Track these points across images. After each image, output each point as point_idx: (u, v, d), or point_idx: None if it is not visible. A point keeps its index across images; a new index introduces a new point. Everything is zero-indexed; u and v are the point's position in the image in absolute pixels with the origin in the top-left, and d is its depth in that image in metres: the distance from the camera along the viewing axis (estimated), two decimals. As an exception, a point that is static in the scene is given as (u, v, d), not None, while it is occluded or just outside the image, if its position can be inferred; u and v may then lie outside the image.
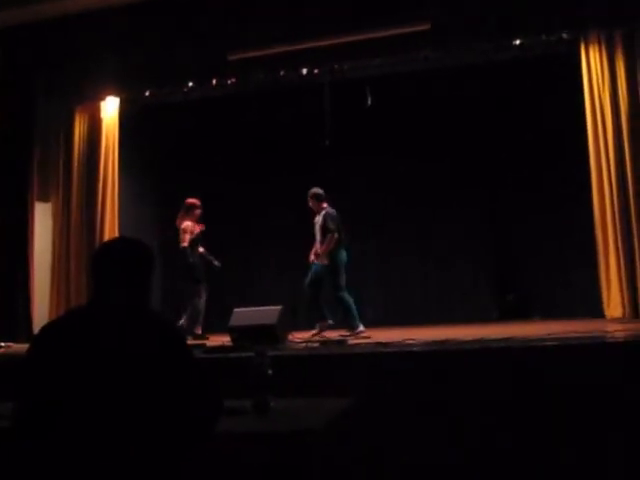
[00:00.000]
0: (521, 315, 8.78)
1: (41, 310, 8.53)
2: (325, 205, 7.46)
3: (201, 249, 7.93)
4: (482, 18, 7.36)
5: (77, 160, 9.04)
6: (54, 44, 8.53)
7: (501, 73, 8.41)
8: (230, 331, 6.24)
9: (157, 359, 2.07)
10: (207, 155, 9.96)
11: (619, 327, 6.18)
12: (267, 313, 6.13)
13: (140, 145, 9.58)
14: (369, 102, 8.84)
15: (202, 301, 7.77)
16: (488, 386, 4.42)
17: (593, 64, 7.47)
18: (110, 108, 9.04)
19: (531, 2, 7.21)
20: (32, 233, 8.72)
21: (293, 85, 8.62)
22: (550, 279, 8.90)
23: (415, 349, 5.08)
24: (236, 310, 6.65)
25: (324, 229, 7.28)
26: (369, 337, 6.58)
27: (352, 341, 6.19)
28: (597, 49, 7.46)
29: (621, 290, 7.15)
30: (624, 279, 7.13)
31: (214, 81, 8.58)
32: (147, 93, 8.87)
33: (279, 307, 6.23)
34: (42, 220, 8.89)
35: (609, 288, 7.25)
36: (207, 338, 7.45)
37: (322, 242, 7.28)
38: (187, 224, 7.83)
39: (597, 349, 4.61)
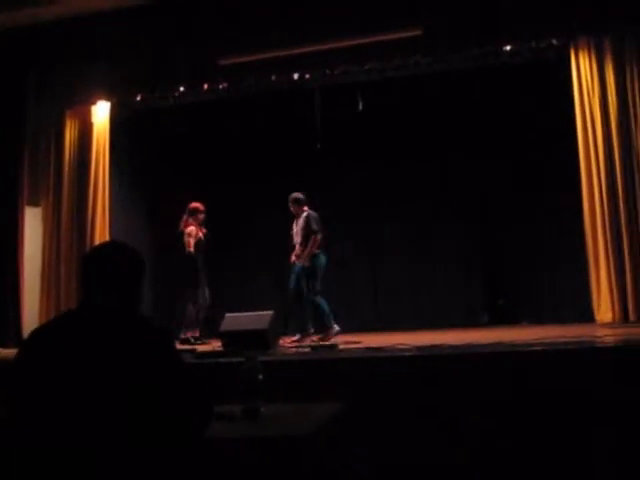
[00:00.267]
0: (511, 320, 8.79)
1: (31, 315, 8.49)
2: (306, 208, 7.57)
3: (201, 255, 7.92)
4: (472, 24, 7.40)
5: (68, 164, 9.02)
6: (46, 48, 8.52)
7: (491, 79, 8.44)
8: (221, 336, 6.24)
9: (146, 364, 2.06)
10: (198, 159, 9.94)
11: (609, 332, 6.21)
12: (258, 318, 6.13)
13: (131, 149, 9.55)
14: (360, 107, 8.86)
15: (198, 307, 7.75)
16: (478, 391, 4.43)
17: (583, 70, 7.51)
18: (101, 112, 9.02)
19: (521, 9, 7.25)
20: (22, 237, 8.68)
21: (284, 90, 8.62)
22: (540, 284, 8.92)
23: (406, 354, 5.09)
24: (227, 315, 6.65)
25: (306, 231, 7.41)
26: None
27: (342, 346, 6.19)
28: (587, 55, 7.51)
29: (611, 295, 7.18)
30: (614, 284, 7.16)
31: (205, 86, 8.58)
32: (138, 97, 8.85)
33: (270, 312, 6.24)
34: (32, 224, 8.86)
35: (599, 293, 7.27)
36: (203, 343, 7.44)
37: (302, 244, 7.40)
38: (191, 229, 7.83)
39: (586, 354, 4.63)
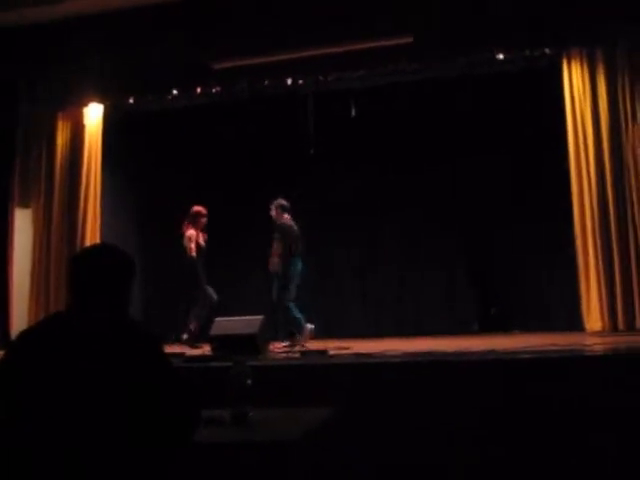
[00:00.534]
0: (502, 328, 8.81)
1: (20, 316, 8.45)
2: (286, 216, 7.74)
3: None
4: (465, 32, 7.43)
5: (59, 166, 8.98)
6: (38, 49, 8.48)
7: (484, 87, 8.46)
8: (211, 340, 6.22)
9: (134, 367, 2.05)
10: (191, 163, 9.92)
11: (598, 340, 6.23)
12: (248, 323, 6.11)
13: (123, 152, 9.53)
14: (353, 113, 8.88)
15: (203, 310, 7.74)
16: (468, 398, 4.43)
17: (575, 79, 7.55)
18: (93, 114, 9.00)
19: (514, 18, 7.29)
20: (12, 239, 8.65)
21: (277, 95, 8.64)
22: (531, 292, 8.94)
23: (395, 360, 5.09)
24: (217, 319, 6.63)
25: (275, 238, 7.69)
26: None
27: (332, 352, 6.18)
28: (579, 64, 7.56)
29: (601, 304, 7.21)
30: (604, 293, 7.20)
31: (198, 89, 8.58)
32: (131, 100, 8.85)
33: (260, 317, 6.22)
34: (22, 226, 8.81)
35: (589, 302, 7.31)
36: (196, 347, 7.41)
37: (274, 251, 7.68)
38: (192, 233, 7.82)
39: (576, 362, 4.64)
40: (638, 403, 4.15)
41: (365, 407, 4.42)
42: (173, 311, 9.88)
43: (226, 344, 5.85)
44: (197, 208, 7.95)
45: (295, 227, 7.73)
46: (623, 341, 6.01)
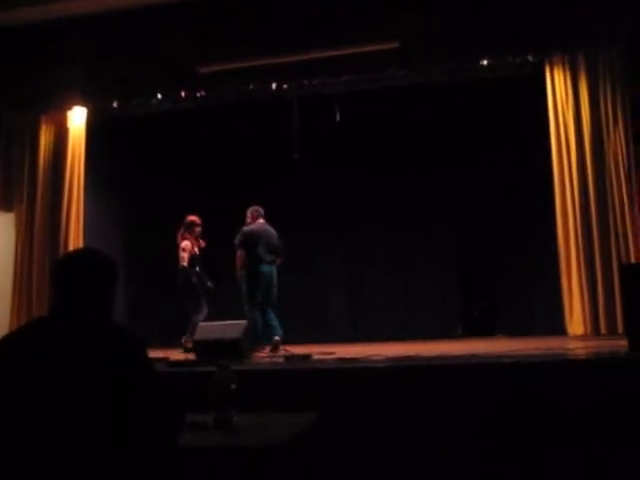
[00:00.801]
0: (485, 332, 8.85)
1: (2, 321, 8.37)
2: (260, 221, 7.76)
3: (197, 269, 7.88)
4: (449, 38, 7.48)
5: (42, 169, 8.92)
6: (21, 52, 8.44)
7: (468, 93, 8.50)
8: (194, 345, 6.20)
9: (117, 372, 2.05)
10: (175, 167, 9.90)
11: (580, 344, 6.27)
12: (232, 327, 6.10)
13: (107, 156, 9.48)
14: (338, 118, 8.90)
15: (201, 316, 7.70)
16: (451, 401, 4.44)
17: (557, 85, 7.62)
18: (77, 118, 8.94)
19: (497, 25, 7.36)
20: (-6, 243, 8.58)
21: (263, 99, 8.63)
22: (514, 296, 9.01)
23: (379, 365, 5.09)
24: (201, 324, 6.63)
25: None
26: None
27: (317, 356, 6.18)
28: (561, 71, 7.63)
29: (583, 308, 7.27)
30: (586, 297, 7.25)
31: (183, 93, 8.56)
32: (115, 104, 8.81)
33: (244, 322, 6.22)
34: (5, 230, 8.75)
35: (571, 306, 7.36)
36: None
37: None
38: (186, 243, 7.81)
39: (559, 366, 4.67)
40: (620, 407, 4.19)
41: (350, 412, 4.43)
42: (157, 314, 9.88)
43: (210, 349, 5.83)
44: (191, 217, 7.94)
45: (261, 232, 7.65)
46: (605, 345, 6.06)
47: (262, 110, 8.91)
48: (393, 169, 9.38)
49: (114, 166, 9.61)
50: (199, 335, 6.23)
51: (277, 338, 7.26)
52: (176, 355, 6.91)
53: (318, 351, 6.61)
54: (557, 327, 7.50)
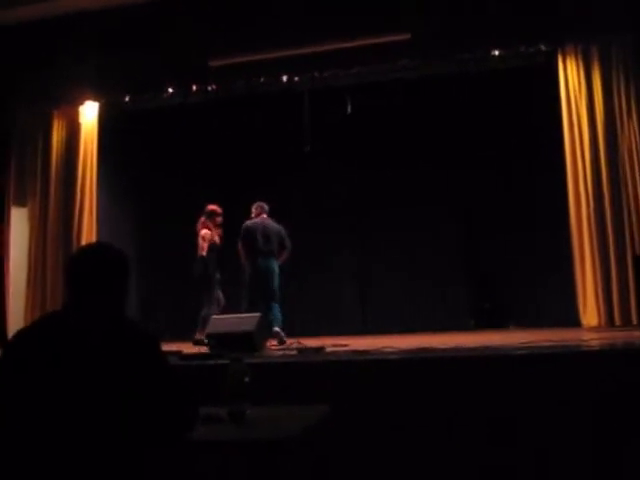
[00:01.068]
0: (498, 324, 8.82)
1: (16, 316, 8.44)
2: (262, 217, 7.78)
3: (214, 258, 7.88)
4: (461, 29, 7.44)
5: (55, 165, 8.97)
6: (33, 47, 8.46)
7: (480, 83, 8.45)
8: (208, 338, 6.21)
9: (131, 366, 2.05)
10: (186, 161, 9.91)
11: (595, 336, 6.24)
12: (245, 320, 6.11)
13: (119, 150, 9.51)
14: (349, 110, 8.88)
15: (214, 309, 7.70)
16: (466, 394, 4.44)
17: (570, 75, 7.57)
18: (89, 113, 8.98)
19: (509, 14, 7.29)
20: (8, 238, 8.63)
21: (273, 92, 8.62)
22: (527, 288, 8.96)
23: (392, 357, 5.09)
24: (214, 317, 6.63)
25: None
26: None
27: (329, 349, 6.18)
28: (574, 61, 7.57)
29: (597, 299, 7.23)
30: (600, 288, 7.22)
31: (194, 87, 8.57)
32: (127, 98, 8.83)
33: (257, 314, 6.22)
34: (18, 225, 8.81)
35: (585, 297, 7.32)
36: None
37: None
38: (206, 232, 7.77)
39: (573, 358, 4.65)
40: (635, 398, 4.17)
41: (362, 404, 4.43)
42: (169, 308, 9.91)
43: (223, 342, 5.84)
44: (212, 207, 7.91)
45: (258, 226, 7.67)
46: (620, 336, 6.03)
47: (273, 103, 8.90)
48: (403, 162, 9.35)
49: (126, 160, 9.64)
50: (212, 328, 6.23)
51: (276, 329, 7.27)
52: (189, 348, 6.94)
53: (331, 343, 6.62)
54: (570, 318, 7.47)
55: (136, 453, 2.02)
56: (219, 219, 7.90)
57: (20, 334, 2.18)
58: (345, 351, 5.90)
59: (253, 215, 7.86)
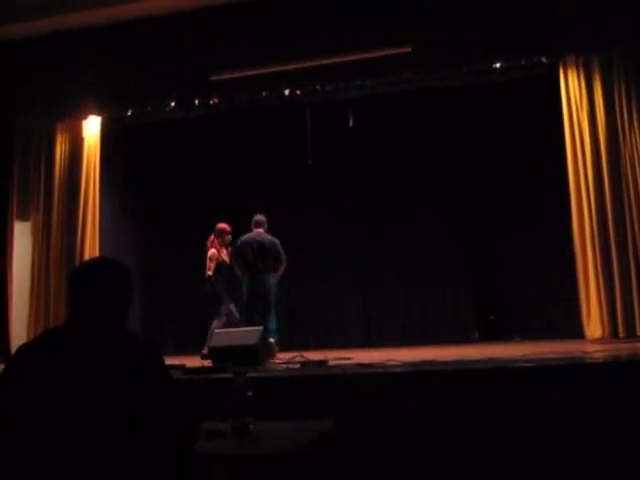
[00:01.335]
0: (502, 336, 8.80)
1: (19, 330, 8.43)
2: (257, 230, 7.82)
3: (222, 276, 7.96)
4: (463, 42, 7.45)
5: (58, 179, 8.98)
6: (35, 62, 8.51)
7: (481, 96, 8.47)
8: (210, 352, 6.20)
9: (133, 381, 2.05)
10: (189, 174, 9.94)
11: (598, 348, 6.22)
12: (248, 334, 6.10)
13: (122, 164, 9.55)
14: (351, 123, 8.90)
15: (223, 322, 7.75)
16: (470, 406, 4.42)
17: (572, 88, 7.58)
18: (92, 127, 9.01)
19: (511, 27, 7.31)
20: (11, 252, 8.64)
21: (275, 106, 8.64)
22: (531, 300, 8.95)
23: (396, 370, 5.07)
24: (217, 331, 6.63)
25: None
26: None
27: (333, 362, 6.16)
28: (575, 73, 7.58)
29: (601, 311, 7.21)
30: (604, 300, 7.19)
31: (197, 101, 8.60)
32: (129, 112, 8.85)
33: (260, 328, 6.21)
34: (21, 239, 8.81)
35: (589, 309, 7.30)
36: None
37: None
38: (213, 252, 7.89)
39: (577, 370, 4.63)
40: (639, 411, 4.14)
41: (367, 418, 4.41)
42: (173, 321, 9.91)
43: (226, 356, 5.83)
44: (221, 225, 8.01)
45: (249, 240, 7.74)
46: (624, 348, 6.00)
47: (275, 116, 8.93)
48: (406, 174, 9.36)
49: (129, 174, 9.67)
50: (215, 342, 6.22)
51: (271, 340, 7.27)
52: (193, 362, 6.92)
53: (334, 356, 6.60)
54: (574, 330, 7.45)
55: (140, 468, 2.01)
56: (228, 237, 7.98)
57: (22, 349, 2.17)
58: (348, 364, 5.87)
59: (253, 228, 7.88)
